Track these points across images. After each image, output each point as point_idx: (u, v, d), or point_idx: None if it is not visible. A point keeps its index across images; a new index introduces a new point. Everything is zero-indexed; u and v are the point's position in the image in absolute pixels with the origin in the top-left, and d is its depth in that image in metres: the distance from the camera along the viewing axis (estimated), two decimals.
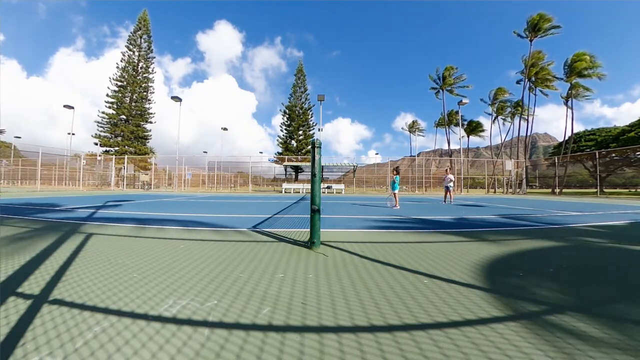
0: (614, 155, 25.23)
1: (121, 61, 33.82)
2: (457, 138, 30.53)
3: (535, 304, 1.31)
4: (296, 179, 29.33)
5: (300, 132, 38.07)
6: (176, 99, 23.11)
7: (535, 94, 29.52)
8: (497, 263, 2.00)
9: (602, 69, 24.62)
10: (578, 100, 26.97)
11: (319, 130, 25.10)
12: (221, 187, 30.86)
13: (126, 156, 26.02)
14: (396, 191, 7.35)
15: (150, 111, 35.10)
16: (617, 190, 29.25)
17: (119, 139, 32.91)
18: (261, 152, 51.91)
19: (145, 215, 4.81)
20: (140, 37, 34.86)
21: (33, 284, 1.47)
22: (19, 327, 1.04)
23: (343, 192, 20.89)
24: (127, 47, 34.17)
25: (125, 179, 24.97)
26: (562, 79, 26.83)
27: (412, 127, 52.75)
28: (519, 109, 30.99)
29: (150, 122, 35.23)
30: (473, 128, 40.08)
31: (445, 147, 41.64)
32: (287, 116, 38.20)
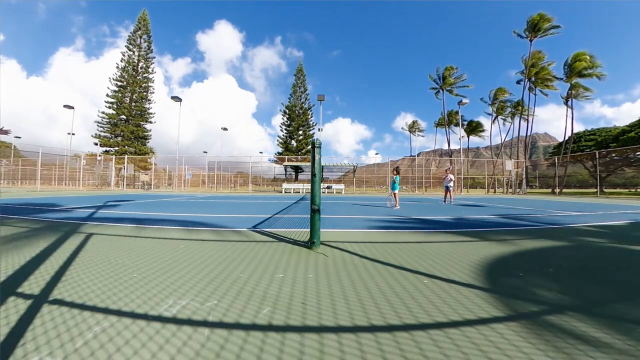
0: (614, 155, 25.23)
1: (121, 61, 33.84)
2: (457, 138, 30.56)
3: (535, 304, 1.31)
4: (296, 179, 29.33)
5: (300, 132, 38.07)
6: (176, 99, 23.11)
7: (535, 94, 29.54)
8: (497, 263, 2.01)
9: (602, 69, 24.64)
10: (578, 100, 26.98)
11: (319, 130, 25.11)
12: (221, 187, 30.86)
13: (126, 156, 26.03)
14: (396, 191, 7.35)
15: (150, 111, 35.11)
16: (617, 190, 29.25)
17: (119, 139, 32.91)
18: (261, 152, 51.96)
19: (145, 215, 4.81)
20: (140, 37, 34.86)
21: (33, 284, 1.47)
22: (19, 327, 1.04)
23: (343, 192, 20.89)
24: (127, 47, 34.18)
25: (125, 179, 24.97)
26: (562, 79, 26.84)
27: (412, 127, 52.76)
28: (519, 109, 31.00)
29: (150, 122, 35.25)
30: (473, 128, 40.08)
31: (445, 147, 41.68)
32: (287, 116, 38.20)
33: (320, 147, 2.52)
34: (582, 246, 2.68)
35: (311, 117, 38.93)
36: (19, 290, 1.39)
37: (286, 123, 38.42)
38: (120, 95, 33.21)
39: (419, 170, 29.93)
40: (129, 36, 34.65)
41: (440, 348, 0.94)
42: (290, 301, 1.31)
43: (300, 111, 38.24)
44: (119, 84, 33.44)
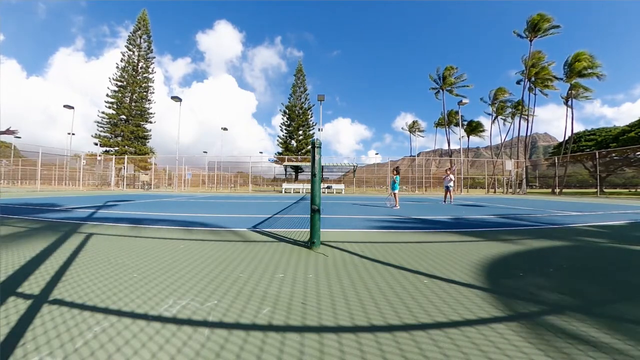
0: (614, 155, 25.23)
1: (121, 61, 33.84)
2: (457, 138, 30.55)
3: (535, 304, 1.31)
4: (296, 179, 29.33)
5: (300, 132, 38.08)
6: (176, 99, 23.11)
7: (535, 94, 29.55)
8: (497, 263, 2.00)
9: (602, 69, 24.65)
10: (578, 100, 26.97)
11: (319, 130, 25.11)
12: (221, 187, 30.86)
13: (126, 156, 26.03)
14: (396, 191, 7.35)
15: (150, 111, 35.11)
16: (617, 190, 29.24)
17: (119, 139, 32.91)
18: (261, 152, 51.96)
19: (145, 215, 4.81)
20: (140, 37, 34.86)
21: (33, 284, 1.47)
22: (19, 327, 1.04)
23: (343, 192, 20.89)
24: (127, 47, 34.18)
25: (125, 179, 24.97)
26: (562, 79, 26.84)
27: (413, 127, 52.77)
28: (519, 108, 31.00)
29: (150, 122, 35.25)
30: (473, 128, 40.09)
31: (445, 147, 41.68)
32: (287, 116, 38.21)
33: (320, 147, 2.52)
34: (582, 246, 2.68)
35: (311, 117, 38.98)
36: (19, 290, 1.39)
37: (286, 123, 38.43)
38: (120, 95, 33.21)
39: (419, 170, 29.93)
40: (129, 36, 34.65)
41: (440, 348, 0.94)
42: (290, 301, 1.31)
43: (300, 111, 38.24)
44: (119, 84, 33.44)
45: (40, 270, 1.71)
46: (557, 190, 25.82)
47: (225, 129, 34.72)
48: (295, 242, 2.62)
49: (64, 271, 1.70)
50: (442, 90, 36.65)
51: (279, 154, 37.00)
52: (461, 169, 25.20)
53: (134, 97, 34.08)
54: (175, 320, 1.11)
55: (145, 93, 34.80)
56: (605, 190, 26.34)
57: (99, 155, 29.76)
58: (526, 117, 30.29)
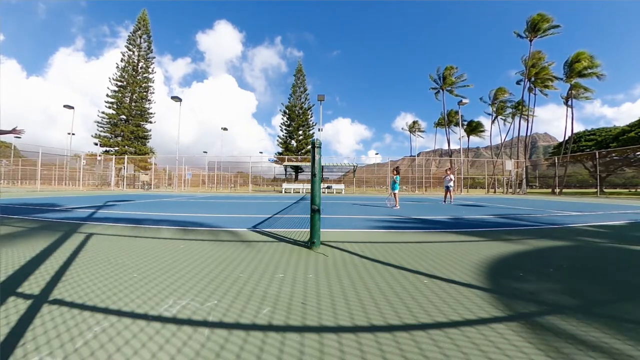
0: (614, 155, 25.22)
1: (121, 61, 33.84)
2: (457, 138, 30.55)
3: (535, 304, 1.31)
4: (296, 179, 29.33)
5: (300, 132, 38.08)
6: (176, 99, 23.11)
7: (535, 94, 29.56)
8: (497, 263, 2.00)
9: (602, 69, 24.65)
10: (578, 100, 26.98)
11: (319, 130, 25.11)
12: (221, 187, 30.86)
13: (126, 156, 26.03)
14: (396, 191, 7.35)
15: (150, 111, 35.11)
16: (617, 190, 29.25)
17: (119, 139, 32.91)
18: (261, 152, 51.97)
19: (145, 215, 4.81)
20: (140, 37, 34.86)
21: (33, 284, 1.47)
22: (19, 327, 1.04)
23: (343, 192, 20.89)
24: (127, 47, 34.18)
25: (125, 179, 24.97)
26: (562, 79, 26.85)
27: (413, 127, 52.77)
28: (519, 108, 31.00)
29: (150, 122, 35.26)
30: (473, 128, 40.09)
31: (445, 147, 41.68)
32: (287, 116, 38.21)
33: (320, 147, 2.52)
34: (582, 246, 2.68)
35: (311, 117, 38.99)
36: (19, 290, 1.39)
37: (286, 123, 38.43)
38: (120, 95, 33.21)
39: (419, 170, 29.94)
40: (129, 36, 34.65)
41: (440, 348, 0.94)
42: (290, 301, 1.31)
43: (300, 111, 38.24)
44: (119, 84, 33.44)
45: (40, 270, 1.71)
46: (557, 190, 25.82)
47: (225, 129, 34.72)
48: (295, 242, 2.62)
49: (64, 271, 1.70)
50: (442, 90, 36.65)
51: (279, 154, 37.00)
52: (461, 169, 25.21)
53: (134, 97, 34.08)
54: (175, 320, 1.11)
55: (145, 93, 34.80)
56: (605, 190, 26.34)
57: (99, 155, 29.77)
58: (526, 117, 30.30)
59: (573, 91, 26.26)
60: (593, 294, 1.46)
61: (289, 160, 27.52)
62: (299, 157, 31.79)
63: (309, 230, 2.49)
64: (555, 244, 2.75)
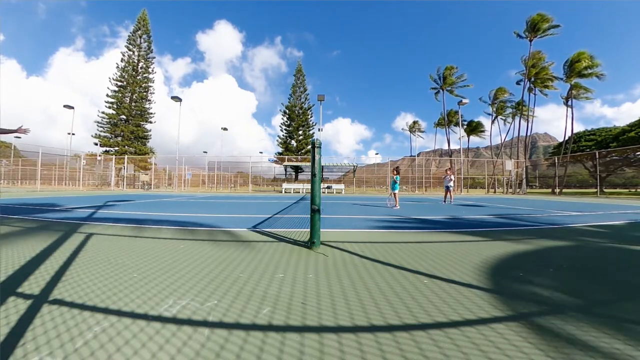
0: (614, 155, 25.22)
1: (121, 61, 33.83)
2: (457, 138, 30.54)
3: (535, 304, 1.31)
4: (296, 179, 29.33)
5: (300, 132, 38.08)
6: (176, 99, 23.11)
7: (535, 94, 29.55)
8: (497, 263, 2.00)
9: (602, 69, 24.65)
10: (578, 100, 26.98)
11: (319, 130, 25.10)
12: (221, 187, 30.86)
13: (126, 156, 26.02)
14: (396, 191, 7.35)
15: (150, 111, 35.10)
16: (617, 190, 29.24)
17: (119, 139, 32.90)
18: (261, 152, 51.94)
19: (145, 215, 4.81)
20: (140, 37, 34.85)
21: (33, 284, 1.47)
22: (19, 327, 1.04)
23: (343, 192, 20.89)
24: (127, 47, 34.17)
25: (125, 179, 24.97)
26: (562, 79, 26.85)
27: (413, 127, 52.77)
28: (519, 108, 31.00)
29: (150, 122, 35.24)
30: (473, 128, 40.08)
31: (445, 147, 41.69)
32: (287, 116, 38.21)
33: (320, 147, 2.52)
34: (582, 246, 2.68)
35: (311, 117, 38.98)
36: (19, 290, 1.39)
37: (286, 123, 38.43)
38: (120, 95, 33.20)
39: (419, 170, 29.93)
40: (129, 36, 34.64)
41: (440, 348, 0.94)
42: (290, 301, 1.31)
43: (300, 111, 38.24)
44: (119, 84, 33.43)
45: (40, 270, 1.71)
46: (557, 190, 25.82)
47: (225, 129, 34.72)
48: (295, 242, 2.62)
49: (64, 271, 1.70)
50: (442, 90, 36.65)
51: (279, 154, 37.00)
52: (461, 169, 25.21)
53: (134, 97, 34.07)
54: (175, 320, 1.11)
55: (145, 93, 34.79)
56: (605, 190, 26.34)
57: (99, 155, 29.76)
58: (526, 117, 30.30)
59: (573, 91, 26.26)
60: (593, 294, 1.46)
61: (289, 160, 27.52)
62: (299, 157, 31.80)
63: (309, 230, 2.49)
64: (556, 244, 2.75)
